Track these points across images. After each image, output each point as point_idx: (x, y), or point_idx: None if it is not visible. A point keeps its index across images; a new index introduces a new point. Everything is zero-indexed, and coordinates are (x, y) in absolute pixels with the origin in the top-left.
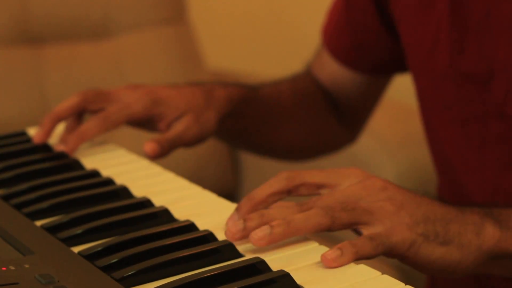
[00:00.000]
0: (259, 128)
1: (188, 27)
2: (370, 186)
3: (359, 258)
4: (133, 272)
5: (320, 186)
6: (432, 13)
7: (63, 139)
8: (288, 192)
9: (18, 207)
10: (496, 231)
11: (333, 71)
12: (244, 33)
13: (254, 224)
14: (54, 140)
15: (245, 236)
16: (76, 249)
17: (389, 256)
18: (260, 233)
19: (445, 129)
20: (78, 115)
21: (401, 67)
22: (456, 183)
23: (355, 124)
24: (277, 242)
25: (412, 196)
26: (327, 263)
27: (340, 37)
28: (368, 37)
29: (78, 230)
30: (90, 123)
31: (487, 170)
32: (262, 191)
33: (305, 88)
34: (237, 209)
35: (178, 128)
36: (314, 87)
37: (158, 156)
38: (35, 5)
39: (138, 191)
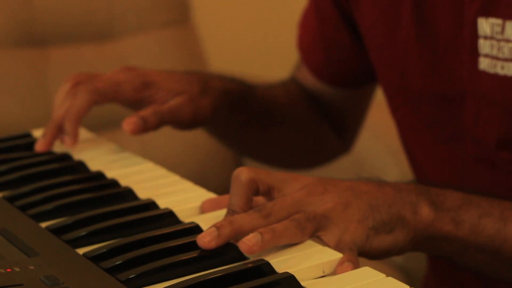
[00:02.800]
0: (253, 126)
1: (192, 30)
2: (313, 190)
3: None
4: (137, 274)
5: (270, 187)
6: (398, 34)
7: (58, 127)
8: (255, 194)
9: (23, 208)
10: (431, 211)
11: (313, 84)
12: (248, 35)
13: (227, 231)
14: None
15: (219, 243)
16: (81, 251)
17: None
18: (253, 239)
19: (424, 148)
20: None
21: (376, 79)
22: None
23: (347, 134)
24: (266, 249)
25: (352, 188)
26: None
27: (314, 52)
28: (341, 52)
29: (83, 231)
30: (78, 100)
31: None
32: (238, 202)
33: (298, 95)
34: (217, 228)
35: (171, 103)
36: (305, 95)
37: (141, 130)
38: (39, 7)
39: (142, 193)
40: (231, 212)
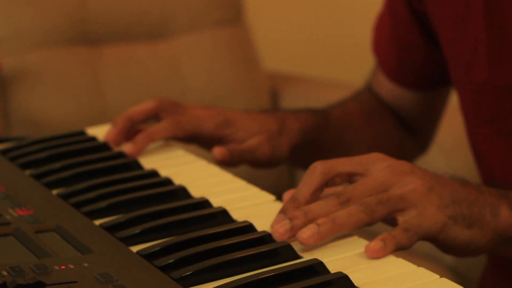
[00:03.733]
0: (331, 152)
1: (245, 28)
2: (398, 170)
3: (399, 249)
4: (191, 272)
5: (351, 175)
6: (469, 26)
7: (133, 140)
8: (326, 185)
9: (77, 206)
10: (510, 213)
11: (390, 89)
12: (300, 35)
13: (301, 222)
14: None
15: (293, 235)
16: (135, 249)
17: (423, 240)
18: (308, 231)
19: (487, 141)
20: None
21: (450, 81)
22: None
23: (423, 136)
24: (324, 240)
25: (438, 177)
26: (372, 254)
27: (389, 55)
28: (415, 54)
29: (137, 229)
30: (161, 125)
31: None
32: (304, 191)
33: (372, 107)
34: (282, 211)
35: (251, 143)
36: (379, 104)
37: (226, 162)
38: (93, 6)
39: (196, 192)
40: (293, 200)
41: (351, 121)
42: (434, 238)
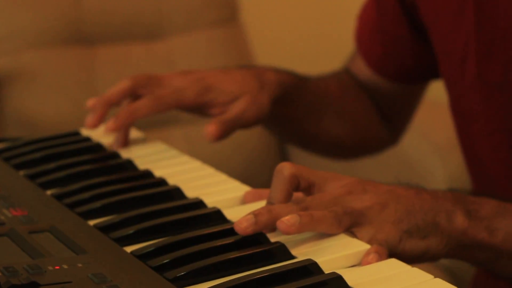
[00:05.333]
0: (307, 116)
1: (241, 29)
2: (353, 189)
3: None
4: (185, 272)
5: (311, 184)
6: (461, 22)
7: (114, 117)
8: (295, 190)
9: (71, 206)
10: (465, 219)
11: (368, 76)
12: (296, 35)
13: (265, 218)
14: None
15: (256, 230)
16: (129, 249)
17: None
18: (292, 219)
19: (476, 138)
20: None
21: (434, 75)
22: (489, 190)
23: (396, 125)
24: (302, 232)
25: (392, 191)
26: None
27: (372, 45)
28: (400, 46)
29: (131, 230)
30: (141, 102)
31: None
32: (277, 196)
33: (349, 84)
34: (255, 215)
35: (237, 109)
36: (357, 85)
37: (219, 138)
38: (88, 7)
39: (190, 192)
40: (269, 205)
41: (328, 92)
42: (392, 252)
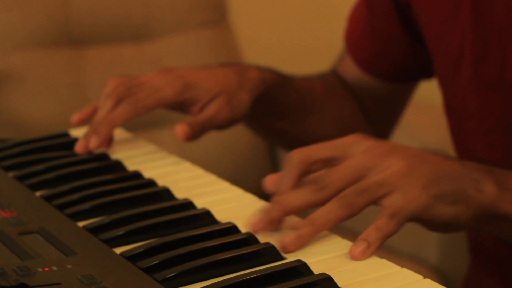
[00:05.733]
0: (290, 115)
1: (230, 30)
2: (377, 152)
3: (386, 239)
4: (174, 273)
5: (330, 159)
6: (457, 21)
7: (94, 129)
8: (306, 174)
9: (61, 208)
10: (494, 189)
11: (357, 76)
12: (285, 36)
13: (275, 212)
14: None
15: (269, 229)
16: (118, 250)
17: (409, 221)
18: (288, 238)
19: (471, 137)
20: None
21: (425, 74)
22: None
23: (382, 127)
24: (305, 243)
25: (419, 155)
26: (356, 258)
27: (362, 44)
28: (391, 45)
29: (120, 231)
30: (119, 109)
31: None
32: (285, 186)
33: (335, 86)
34: (266, 212)
35: (210, 111)
36: (343, 87)
37: (189, 139)
38: (77, 7)
39: (180, 193)
40: (278, 193)
41: (312, 92)
42: (420, 218)
